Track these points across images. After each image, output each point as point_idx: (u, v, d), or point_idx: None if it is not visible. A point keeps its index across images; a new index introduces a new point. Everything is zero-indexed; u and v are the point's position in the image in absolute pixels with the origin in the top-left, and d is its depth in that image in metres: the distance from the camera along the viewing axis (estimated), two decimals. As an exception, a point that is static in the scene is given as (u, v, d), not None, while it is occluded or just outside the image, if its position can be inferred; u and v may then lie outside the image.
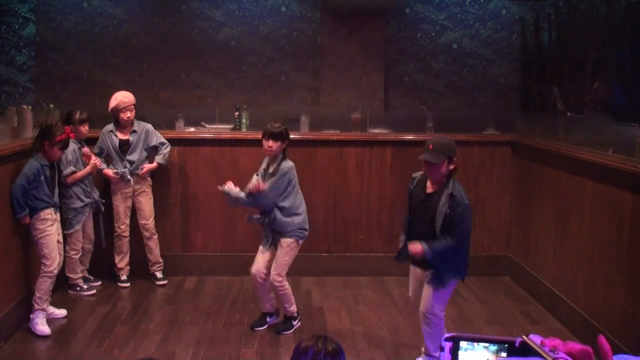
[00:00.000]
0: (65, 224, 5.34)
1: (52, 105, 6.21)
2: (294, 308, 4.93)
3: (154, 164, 5.84)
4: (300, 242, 4.84)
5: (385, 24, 7.01)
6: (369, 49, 6.94)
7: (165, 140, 5.88)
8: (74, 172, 5.38)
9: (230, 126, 6.37)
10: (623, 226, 4.27)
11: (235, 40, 7.05)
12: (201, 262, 6.23)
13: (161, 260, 5.99)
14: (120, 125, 5.73)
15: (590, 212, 4.76)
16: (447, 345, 1.72)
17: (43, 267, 4.74)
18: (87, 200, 5.52)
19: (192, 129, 6.34)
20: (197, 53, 7.04)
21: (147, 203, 5.87)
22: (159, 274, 5.96)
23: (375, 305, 5.56)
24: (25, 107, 5.53)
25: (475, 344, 1.71)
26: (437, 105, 7.17)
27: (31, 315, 4.75)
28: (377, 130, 6.43)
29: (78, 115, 5.51)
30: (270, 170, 4.73)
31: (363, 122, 6.40)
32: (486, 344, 1.71)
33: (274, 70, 7.10)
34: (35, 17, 6.92)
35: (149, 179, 5.88)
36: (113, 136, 5.72)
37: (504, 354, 1.69)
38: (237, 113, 6.35)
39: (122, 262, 5.87)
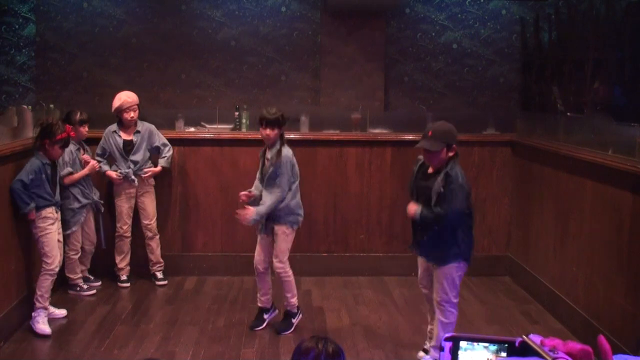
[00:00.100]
0: (63, 224, 5.34)
1: (52, 105, 6.21)
2: (295, 300, 4.91)
3: (158, 168, 5.84)
4: (295, 227, 4.82)
5: (385, 24, 7.01)
6: (369, 49, 6.94)
7: (167, 142, 5.89)
8: (71, 173, 5.37)
9: (230, 126, 6.37)
10: (623, 226, 4.27)
11: (235, 40, 7.05)
12: (201, 262, 6.23)
13: (162, 260, 5.99)
14: (124, 126, 5.73)
15: (590, 212, 4.76)
16: (447, 345, 1.72)
17: (44, 266, 4.75)
18: (85, 201, 5.52)
19: (192, 129, 6.34)
20: (197, 53, 7.04)
21: (150, 203, 5.87)
22: (159, 274, 5.97)
23: (375, 305, 5.56)
24: (25, 107, 5.53)
25: (475, 343, 1.71)
26: (437, 105, 7.16)
27: (33, 314, 4.76)
28: (377, 130, 6.43)
29: (78, 116, 5.51)
30: (269, 156, 4.72)
31: (363, 122, 6.41)
32: (486, 344, 1.71)
33: (274, 70, 7.10)
34: (35, 17, 6.92)
35: (152, 180, 5.88)
36: (116, 136, 5.71)
37: (503, 354, 1.69)
38: (237, 113, 6.35)
39: (122, 262, 5.87)
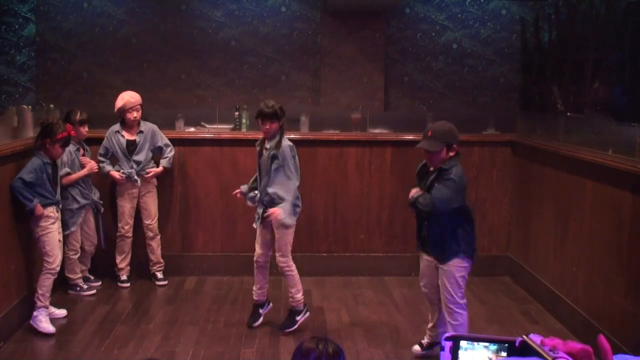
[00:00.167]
0: (62, 225, 5.33)
1: (52, 105, 6.21)
2: (300, 296, 4.87)
3: (160, 168, 5.84)
4: (294, 218, 4.80)
5: (385, 24, 7.01)
6: (369, 49, 6.94)
7: (169, 142, 5.89)
8: (69, 174, 5.36)
9: (230, 126, 6.37)
10: (623, 226, 4.27)
11: (235, 40, 7.05)
12: (201, 262, 6.23)
13: (162, 260, 5.99)
14: (127, 126, 5.72)
15: (590, 212, 4.76)
16: (447, 344, 1.72)
17: (46, 265, 4.75)
18: (84, 202, 5.51)
19: (192, 129, 6.34)
20: (197, 53, 7.04)
21: (152, 203, 5.87)
22: (159, 274, 5.97)
23: (375, 305, 5.56)
24: (25, 107, 5.53)
25: (475, 343, 1.71)
26: (437, 105, 7.17)
27: (34, 313, 4.77)
28: (377, 130, 6.43)
29: (78, 116, 5.50)
30: (267, 145, 4.71)
31: (363, 122, 6.40)
32: (486, 344, 1.71)
33: (274, 70, 7.10)
34: (35, 17, 6.92)
35: (154, 179, 5.88)
36: (120, 136, 5.71)
37: (503, 354, 1.69)
38: (237, 113, 6.35)
39: (123, 262, 5.87)
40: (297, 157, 4.76)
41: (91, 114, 5.72)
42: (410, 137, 6.22)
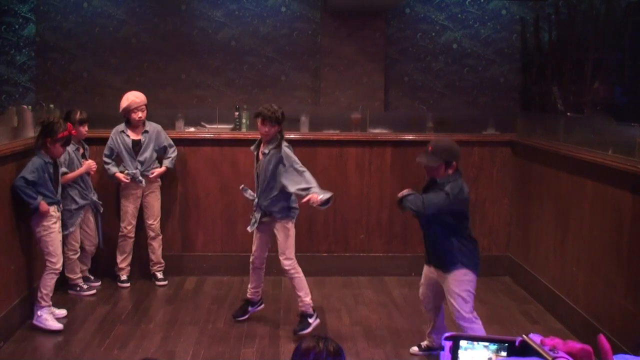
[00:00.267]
0: (62, 225, 5.34)
1: (52, 105, 6.21)
2: (309, 299, 4.79)
3: (163, 168, 5.84)
4: (294, 221, 4.81)
5: (385, 24, 7.01)
6: (369, 49, 6.94)
7: (172, 143, 5.90)
8: (66, 174, 5.33)
9: (230, 126, 6.37)
10: (623, 226, 4.27)
11: (235, 40, 7.05)
12: (201, 262, 6.23)
13: (162, 260, 5.99)
14: (132, 126, 5.72)
15: (590, 212, 4.76)
16: (447, 344, 1.72)
17: (49, 265, 4.75)
18: (83, 202, 5.51)
19: (192, 129, 6.34)
20: (197, 53, 7.04)
21: (155, 203, 5.88)
22: (159, 275, 5.97)
23: (375, 305, 5.56)
24: (25, 107, 5.53)
25: (475, 343, 1.71)
26: (437, 105, 7.17)
27: (38, 312, 4.77)
28: (377, 130, 6.43)
29: (78, 115, 5.50)
30: (265, 150, 4.71)
31: (363, 122, 6.40)
32: (486, 343, 1.71)
33: (274, 70, 7.10)
34: (35, 17, 6.92)
35: (158, 179, 5.89)
36: (125, 136, 5.71)
37: (503, 353, 1.69)
38: (237, 113, 6.35)
39: (124, 262, 5.87)
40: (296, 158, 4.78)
41: (91, 114, 5.72)
42: (410, 137, 6.23)
